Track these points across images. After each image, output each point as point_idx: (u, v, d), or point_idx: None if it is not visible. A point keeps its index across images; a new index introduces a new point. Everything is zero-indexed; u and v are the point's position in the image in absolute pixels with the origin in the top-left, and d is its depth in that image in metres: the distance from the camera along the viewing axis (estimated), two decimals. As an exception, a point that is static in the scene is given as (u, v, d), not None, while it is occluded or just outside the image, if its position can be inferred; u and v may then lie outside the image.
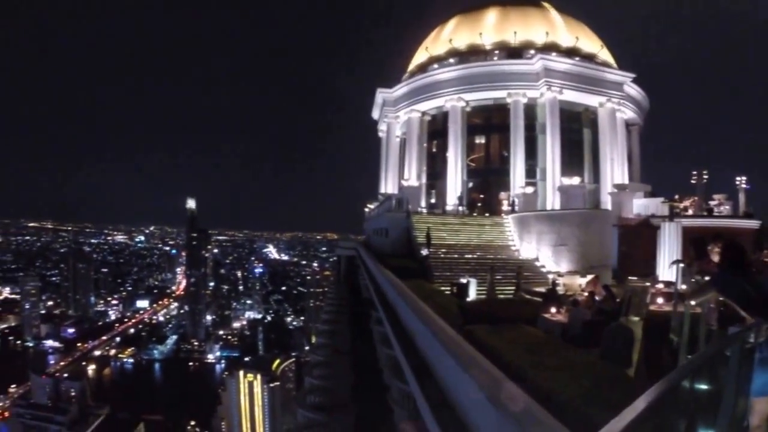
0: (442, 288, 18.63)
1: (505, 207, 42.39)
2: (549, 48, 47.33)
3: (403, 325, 11.09)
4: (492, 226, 36.29)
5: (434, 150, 52.33)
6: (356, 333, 20.11)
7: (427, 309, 9.96)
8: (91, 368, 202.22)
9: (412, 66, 56.47)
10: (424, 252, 26.42)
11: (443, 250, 29.87)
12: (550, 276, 26.28)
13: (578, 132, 47.57)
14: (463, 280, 18.42)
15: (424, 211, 45.10)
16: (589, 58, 48.82)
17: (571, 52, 47.77)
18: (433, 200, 50.91)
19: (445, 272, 25.07)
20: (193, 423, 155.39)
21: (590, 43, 50.95)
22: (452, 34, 51.65)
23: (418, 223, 33.10)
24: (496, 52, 48.89)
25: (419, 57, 55.38)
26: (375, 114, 61.72)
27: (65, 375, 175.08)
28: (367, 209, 55.04)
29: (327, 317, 28.24)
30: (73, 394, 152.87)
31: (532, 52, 46.52)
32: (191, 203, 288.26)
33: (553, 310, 12.77)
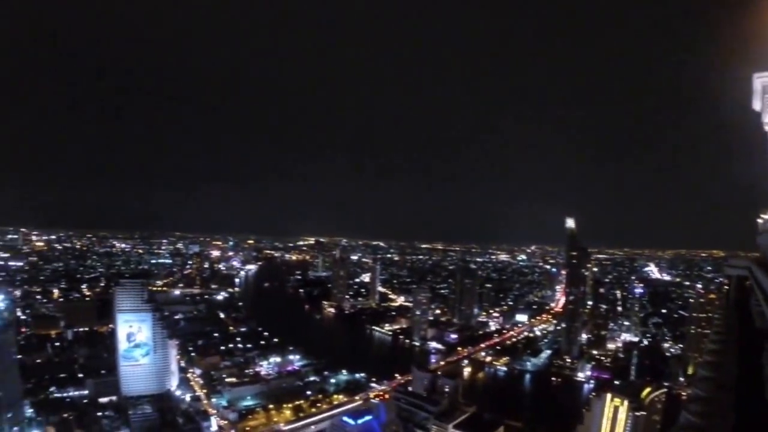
0: None
1: None
2: None
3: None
4: None
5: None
6: (744, 368, 16.10)
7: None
8: (466, 370, 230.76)
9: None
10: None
11: None
12: None
13: None
14: None
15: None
16: None
17: None
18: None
19: None
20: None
21: None
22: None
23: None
24: None
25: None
26: (756, 105, 48.22)
27: (443, 373, 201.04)
28: (760, 220, 44.12)
29: (712, 347, 23.32)
30: (446, 389, 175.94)
31: None
32: (570, 223, 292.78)
33: None
